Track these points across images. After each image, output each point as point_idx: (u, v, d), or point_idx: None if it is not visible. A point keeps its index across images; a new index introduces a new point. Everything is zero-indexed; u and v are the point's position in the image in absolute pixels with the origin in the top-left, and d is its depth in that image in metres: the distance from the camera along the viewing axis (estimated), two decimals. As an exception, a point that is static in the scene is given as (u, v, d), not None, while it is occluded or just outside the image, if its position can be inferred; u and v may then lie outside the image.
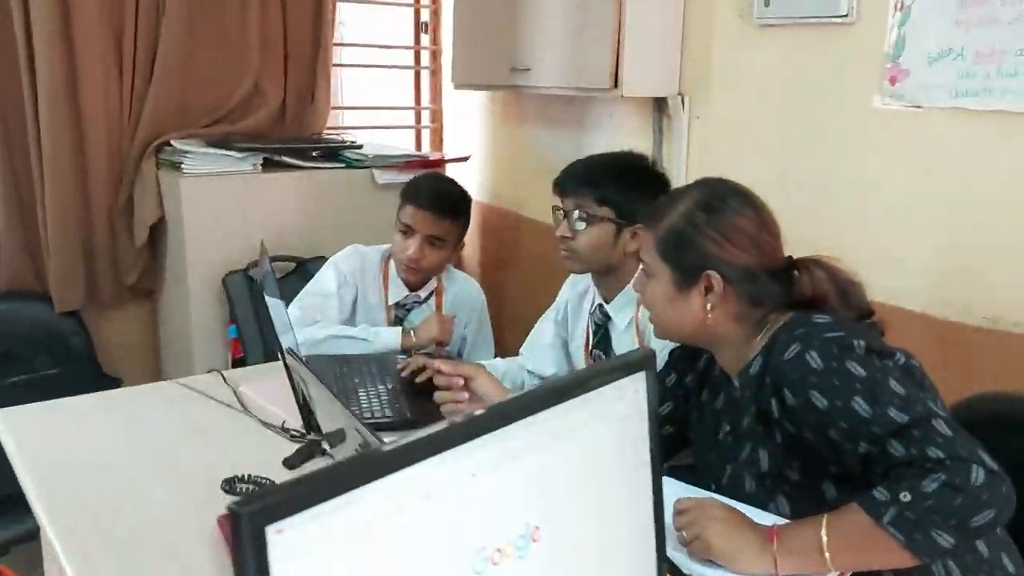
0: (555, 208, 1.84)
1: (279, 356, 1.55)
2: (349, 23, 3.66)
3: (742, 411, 1.32)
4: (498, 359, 2.09)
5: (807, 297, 1.30)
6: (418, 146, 3.69)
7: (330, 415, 1.18)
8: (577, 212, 1.77)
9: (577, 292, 1.99)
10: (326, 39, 3.08)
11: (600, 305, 1.88)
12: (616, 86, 2.34)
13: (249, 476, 1.37)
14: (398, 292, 2.20)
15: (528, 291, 3.05)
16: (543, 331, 2.05)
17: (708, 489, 1.38)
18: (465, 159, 3.07)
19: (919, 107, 1.86)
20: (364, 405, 1.70)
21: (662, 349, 1.69)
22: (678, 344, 1.55)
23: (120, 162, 2.78)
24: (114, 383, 2.77)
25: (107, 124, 2.71)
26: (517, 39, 2.66)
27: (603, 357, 1.89)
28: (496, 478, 0.69)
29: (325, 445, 1.50)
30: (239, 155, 2.68)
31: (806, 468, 1.23)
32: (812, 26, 2.05)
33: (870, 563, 1.08)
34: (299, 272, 2.77)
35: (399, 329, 2.08)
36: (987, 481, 1.03)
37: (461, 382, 1.44)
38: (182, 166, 2.62)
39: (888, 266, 1.96)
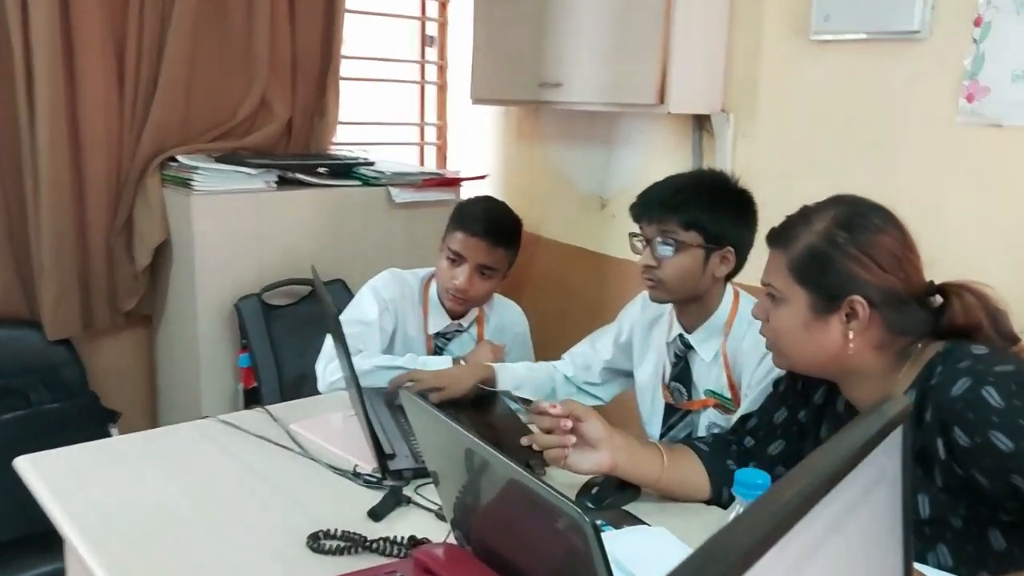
0: (633, 236, 1.72)
1: (357, 393, 1.41)
2: (347, 35, 3.53)
3: None
4: (520, 363, 1.96)
5: (959, 325, 1.21)
6: (421, 162, 3.56)
7: (451, 462, 1.04)
8: (662, 238, 1.65)
9: (647, 318, 1.87)
10: (336, 53, 2.94)
11: (680, 335, 1.77)
12: (662, 102, 2.25)
13: (338, 531, 1.22)
14: (439, 321, 2.06)
15: (545, 312, 2.92)
16: (602, 348, 1.93)
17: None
18: (483, 177, 2.94)
19: (1000, 126, 1.80)
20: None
21: (765, 376, 1.58)
22: (784, 374, 1.45)
23: (119, 180, 2.60)
24: (112, 416, 2.57)
25: (107, 140, 2.52)
26: (546, 54, 2.56)
27: (682, 391, 1.77)
28: (818, 560, 0.57)
29: (408, 492, 1.37)
30: (253, 172, 2.51)
31: (971, 515, 1.13)
32: (877, 42, 1.98)
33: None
34: (315, 296, 2.61)
35: (448, 359, 1.94)
36: None
37: (570, 424, 1.30)
38: (192, 183, 2.45)
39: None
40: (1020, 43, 1.74)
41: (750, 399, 1.64)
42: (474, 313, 2.10)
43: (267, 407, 1.72)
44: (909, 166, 1.96)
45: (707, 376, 1.74)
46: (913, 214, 1.95)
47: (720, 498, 1.38)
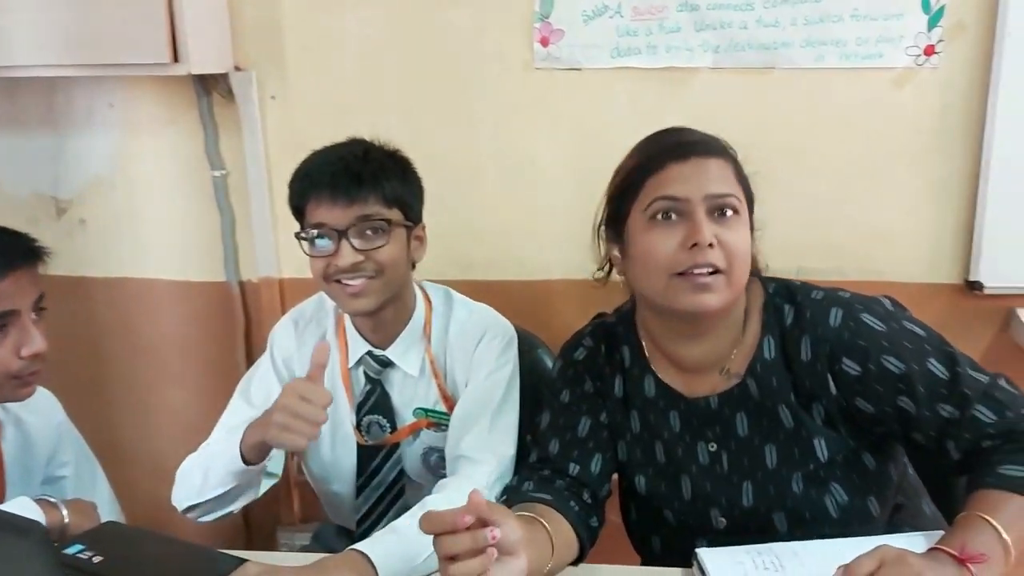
0: (303, 235, 1.28)
1: None
2: None
3: (731, 415, 1.13)
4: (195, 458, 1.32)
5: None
6: None
7: None
8: (366, 224, 1.25)
9: (304, 340, 1.41)
10: None
11: (370, 352, 1.37)
12: (177, 60, 1.66)
13: None
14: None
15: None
16: (265, 402, 1.38)
17: (713, 525, 1.13)
18: None
19: (579, 69, 1.77)
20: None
21: (492, 366, 1.35)
22: (560, 379, 1.22)
23: None
24: None
25: None
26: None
27: (383, 424, 1.38)
28: None
29: None
30: None
31: (855, 444, 1.10)
32: (431, -21, 1.76)
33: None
34: None
35: (26, 501, 1.16)
36: None
37: (497, 534, 0.84)
38: None
39: (551, 238, 1.86)
40: (587, -17, 1.72)
41: (474, 385, 1.34)
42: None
43: None
44: (491, 117, 1.82)
45: (413, 394, 1.38)
46: (504, 167, 1.85)
47: (584, 552, 1.09)
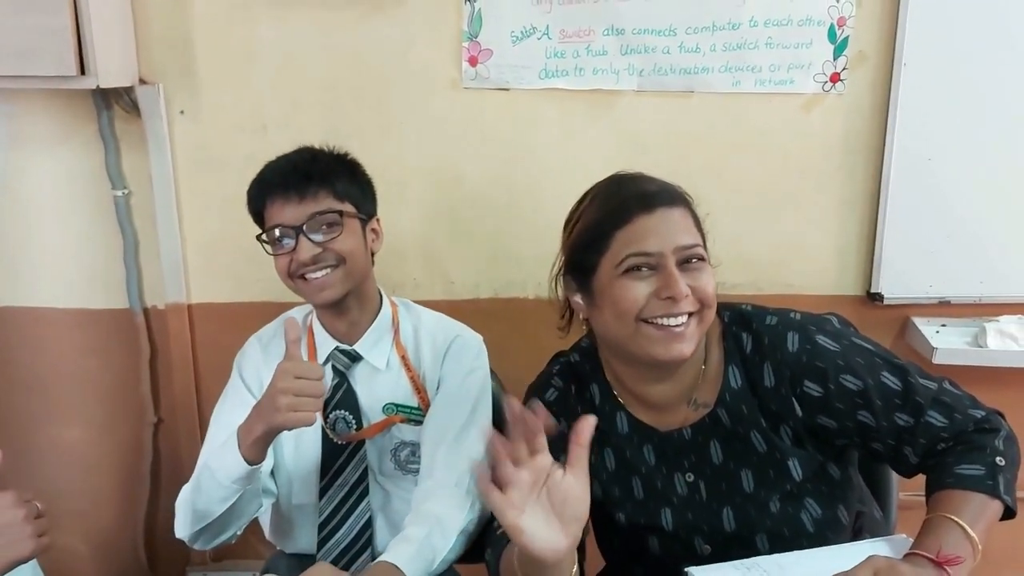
0: (262, 238, 1.32)
1: None
2: None
3: (704, 444, 1.16)
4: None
5: None
6: None
7: None
8: (320, 219, 1.28)
9: (271, 355, 1.38)
10: None
11: (337, 348, 1.38)
12: (84, 72, 1.53)
13: None
14: None
15: None
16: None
17: (698, 552, 1.16)
18: None
19: (506, 89, 1.77)
20: None
21: (465, 375, 1.38)
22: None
23: None
24: None
25: None
26: None
27: (349, 420, 1.37)
28: None
29: None
30: None
31: (823, 459, 1.16)
32: (357, -3, 1.71)
33: (987, 536, 1.08)
34: None
35: None
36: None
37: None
38: None
39: (479, 258, 1.86)
40: (515, 3, 1.72)
41: (450, 387, 1.38)
42: None
43: None
44: (418, 136, 1.79)
45: (382, 389, 1.39)
46: (432, 186, 1.82)
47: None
